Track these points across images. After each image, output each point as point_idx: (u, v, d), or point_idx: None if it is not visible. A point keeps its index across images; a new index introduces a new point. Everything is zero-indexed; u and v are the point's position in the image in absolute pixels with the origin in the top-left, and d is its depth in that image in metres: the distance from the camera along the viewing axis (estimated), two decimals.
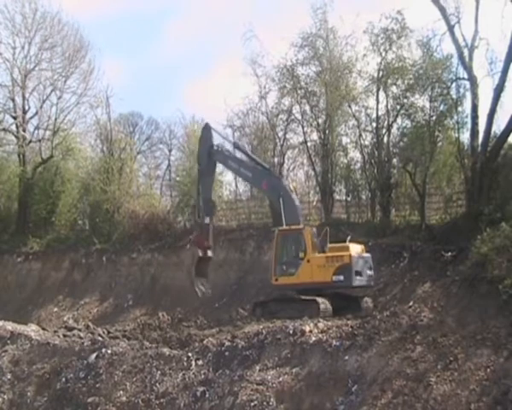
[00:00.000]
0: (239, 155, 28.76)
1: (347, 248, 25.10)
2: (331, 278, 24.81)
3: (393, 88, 32.27)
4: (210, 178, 27.87)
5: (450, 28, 29.12)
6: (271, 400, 20.41)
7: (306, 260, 25.36)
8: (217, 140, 27.94)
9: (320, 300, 24.59)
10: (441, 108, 30.67)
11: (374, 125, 33.05)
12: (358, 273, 24.93)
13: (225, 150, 27.69)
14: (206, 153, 27.49)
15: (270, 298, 26.42)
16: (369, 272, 25.53)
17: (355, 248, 25.36)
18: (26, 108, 41.22)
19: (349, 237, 26.10)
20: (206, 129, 28.12)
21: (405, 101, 31.72)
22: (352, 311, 24.04)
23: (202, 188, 27.78)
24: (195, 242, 27.67)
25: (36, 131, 41.65)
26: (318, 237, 25.90)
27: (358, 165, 34.40)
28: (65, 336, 27.47)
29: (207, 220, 27.12)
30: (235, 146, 29.19)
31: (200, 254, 27.12)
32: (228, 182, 39.85)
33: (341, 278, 24.75)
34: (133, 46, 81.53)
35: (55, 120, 40.55)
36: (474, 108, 28.73)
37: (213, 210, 27.73)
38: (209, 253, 27.33)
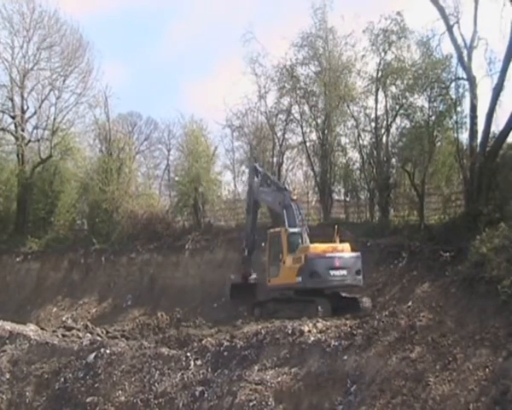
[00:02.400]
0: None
1: (306, 249, 25.11)
2: (295, 279, 24.99)
3: (392, 88, 32.24)
4: (251, 215, 28.93)
5: (450, 28, 29.11)
6: (270, 400, 20.42)
7: (283, 262, 25.72)
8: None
9: (319, 300, 24.61)
10: (440, 108, 30.63)
11: (373, 125, 33.03)
12: (315, 274, 24.73)
13: (260, 187, 28.58)
14: (248, 191, 29.46)
15: (268, 298, 26.45)
16: (337, 272, 24.95)
17: (319, 249, 25.13)
18: (25, 107, 41.17)
19: (338, 236, 25.78)
20: (250, 168, 30.09)
21: (404, 101, 31.66)
22: (350, 311, 23.97)
23: (246, 223, 29.41)
24: (240, 272, 28.77)
25: (35, 131, 41.65)
26: (302, 238, 25.96)
27: (357, 165, 34.38)
28: (64, 336, 27.51)
29: (245, 252, 28.64)
30: (264, 177, 29.82)
31: (234, 279, 28.28)
32: (227, 182, 39.90)
33: (300, 279, 24.85)
34: (133, 46, 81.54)
35: (54, 119, 40.50)
36: (473, 108, 28.72)
37: (252, 245, 28.70)
38: (251, 279, 28.25)
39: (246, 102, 36.18)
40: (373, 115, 32.90)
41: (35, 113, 41.34)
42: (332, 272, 24.92)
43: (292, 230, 26.05)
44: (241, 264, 28.81)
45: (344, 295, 25.71)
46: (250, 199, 28.97)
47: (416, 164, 30.86)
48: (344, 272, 25.15)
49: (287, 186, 32.05)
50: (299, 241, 26.03)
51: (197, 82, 77.97)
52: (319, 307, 24.23)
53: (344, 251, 25.42)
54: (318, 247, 25.23)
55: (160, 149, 48.34)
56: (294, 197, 27.06)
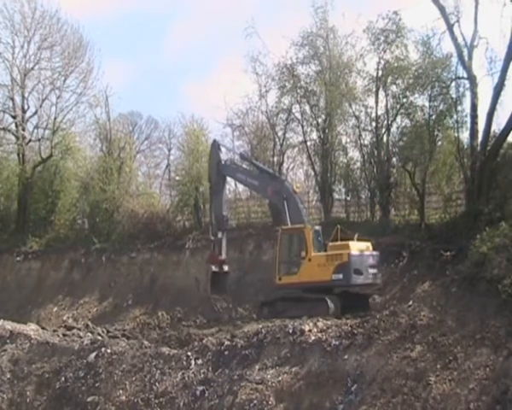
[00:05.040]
0: (246, 164, 29.60)
1: (347, 247, 24.90)
2: (331, 276, 24.70)
3: (393, 87, 32.29)
4: (221, 194, 28.23)
5: (450, 27, 29.15)
6: (271, 399, 20.42)
7: (308, 260, 25.28)
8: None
9: (329, 299, 24.43)
10: (441, 107, 30.67)
11: (373, 124, 33.05)
12: (358, 272, 24.68)
13: (233, 164, 28.40)
14: (215, 169, 28.05)
15: (277, 297, 26.01)
16: (372, 270, 25.19)
17: (357, 246, 25.10)
18: (26, 107, 41.16)
19: (356, 235, 25.68)
20: (214, 146, 28.77)
21: (405, 100, 31.73)
22: (360, 309, 23.85)
23: (214, 204, 28.37)
24: (209, 258, 27.96)
25: (35, 131, 41.62)
26: (321, 236, 25.87)
27: (358, 164, 34.37)
28: (64, 335, 27.49)
29: (220, 235, 27.65)
30: (242, 157, 29.91)
31: (214, 269, 27.45)
32: (228, 181, 39.73)
33: (340, 276, 24.61)
34: (134, 46, 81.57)
35: (55, 119, 40.49)
36: (474, 107, 28.75)
37: (226, 225, 27.97)
38: (225, 268, 27.60)
39: (246, 101, 36.28)
40: (373, 115, 32.93)
41: (36, 112, 41.36)
42: (370, 270, 25.08)
43: (316, 227, 26.00)
44: (212, 249, 27.88)
45: (353, 293, 25.50)
46: (218, 177, 27.92)
47: (417, 163, 30.89)
48: (376, 270, 25.39)
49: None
50: (320, 238, 25.89)
51: (198, 81, 78.08)
52: (330, 306, 24.13)
53: (371, 250, 25.57)
54: (356, 245, 25.15)
55: (161, 149, 48.50)
56: (297, 190, 26.90)
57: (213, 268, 27.43)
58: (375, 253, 25.59)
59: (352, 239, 25.37)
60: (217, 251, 27.64)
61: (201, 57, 79.29)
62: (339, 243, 25.28)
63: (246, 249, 32.60)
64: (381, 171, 32.41)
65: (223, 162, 27.95)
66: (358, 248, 25.15)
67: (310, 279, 25.03)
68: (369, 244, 25.71)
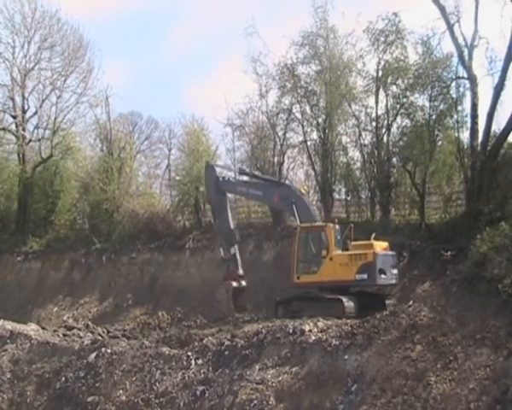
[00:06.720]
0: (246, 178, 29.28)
1: (371, 246, 24.64)
2: (354, 276, 24.35)
3: (393, 87, 32.28)
4: (225, 211, 28.00)
5: (450, 27, 29.18)
6: (271, 399, 20.43)
7: (329, 258, 24.92)
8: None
9: (345, 299, 24.13)
10: (441, 107, 30.68)
11: (373, 124, 33.02)
12: (382, 271, 24.39)
13: (231, 178, 28.21)
14: (214, 188, 27.94)
15: (292, 296, 25.61)
16: (394, 271, 25.00)
17: (379, 246, 24.90)
18: (26, 107, 41.16)
19: (373, 235, 25.51)
20: (209, 168, 28.76)
21: (405, 100, 31.71)
22: (377, 310, 23.28)
23: (220, 223, 28.08)
24: (228, 277, 27.40)
25: (35, 131, 41.63)
26: (341, 235, 25.65)
27: (358, 164, 34.35)
28: (64, 335, 27.50)
29: (233, 250, 27.42)
30: (241, 172, 29.60)
31: (235, 284, 27.13)
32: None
33: (365, 276, 24.25)
34: (134, 46, 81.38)
35: (55, 119, 40.49)
36: (474, 107, 28.76)
37: (236, 238, 27.67)
38: (243, 282, 27.37)
39: (247, 101, 36.21)
40: (374, 114, 32.92)
41: (36, 112, 41.36)
42: (392, 270, 24.93)
43: (336, 226, 25.60)
44: (228, 266, 27.53)
45: (370, 293, 25.32)
46: (218, 194, 27.74)
47: (417, 163, 30.89)
48: (396, 270, 25.21)
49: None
50: (339, 237, 25.54)
51: (198, 81, 78.01)
52: (346, 306, 23.85)
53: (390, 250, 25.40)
54: (379, 244, 24.95)
55: (161, 149, 48.32)
56: (304, 191, 26.68)
57: (234, 284, 27.07)
58: (393, 253, 25.41)
59: (365, 239, 25.21)
60: (233, 268, 27.41)
61: (202, 57, 79.26)
62: (362, 242, 25.03)
63: (246, 249, 32.47)
64: (381, 171, 32.40)
65: (220, 179, 27.78)
66: (381, 247, 24.97)
67: (331, 279, 24.62)
68: (387, 244, 25.48)
